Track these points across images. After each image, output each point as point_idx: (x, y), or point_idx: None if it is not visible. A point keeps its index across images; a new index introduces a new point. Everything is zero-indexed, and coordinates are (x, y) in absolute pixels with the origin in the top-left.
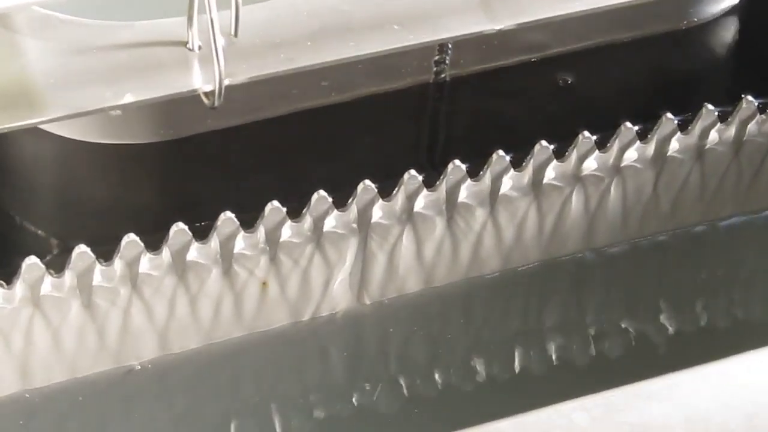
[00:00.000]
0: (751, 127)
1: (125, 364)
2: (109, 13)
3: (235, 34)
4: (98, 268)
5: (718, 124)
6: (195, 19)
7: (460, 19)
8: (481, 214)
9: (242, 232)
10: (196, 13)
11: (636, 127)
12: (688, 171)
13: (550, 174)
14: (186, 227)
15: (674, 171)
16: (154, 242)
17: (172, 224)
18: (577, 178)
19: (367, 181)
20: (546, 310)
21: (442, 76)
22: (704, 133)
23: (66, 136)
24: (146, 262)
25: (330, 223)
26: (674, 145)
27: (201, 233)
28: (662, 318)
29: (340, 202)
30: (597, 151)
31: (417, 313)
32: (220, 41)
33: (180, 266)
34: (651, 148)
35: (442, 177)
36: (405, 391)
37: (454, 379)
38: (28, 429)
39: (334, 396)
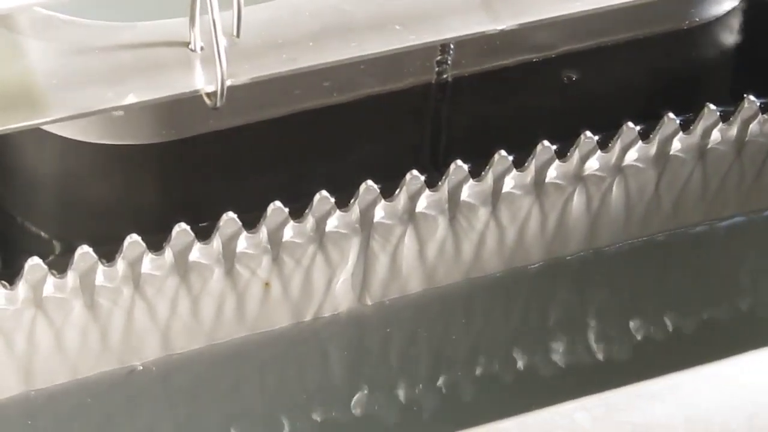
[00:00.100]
0: (753, 127)
1: (128, 365)
2: (111, 13)
3: (237, 35)
4: (101, 268)
5: (720, 124)
6: (197, 19)
7: (462, 19)
8: (483, 214)
9: (244, 233)
10: (198, 13)
11: (638, 127)
12: (690, 171)
13: (552, 174)
14: (188, 227)
15: (676, 171)
16: (156, 242)
17: (174, 224)
18: (579, 177)
19: (370, 182)
20: (548, 309)
21: (444, 76)
22: (706, 133)
23: (68, 136)
24: (148, 262)
25: (332, 223)
26: (676, 144)
27: (203, 233)
28: (664, 318)
29: (343, 203)
30: (599, 150)
31: (419, 313)
32: (222, 42)
33: (182, 266)
34: (653, 147)
35: (444, 177)
36: (407, 391)
37: (456, 379)
38: (31, 429)
39: (336, 396)
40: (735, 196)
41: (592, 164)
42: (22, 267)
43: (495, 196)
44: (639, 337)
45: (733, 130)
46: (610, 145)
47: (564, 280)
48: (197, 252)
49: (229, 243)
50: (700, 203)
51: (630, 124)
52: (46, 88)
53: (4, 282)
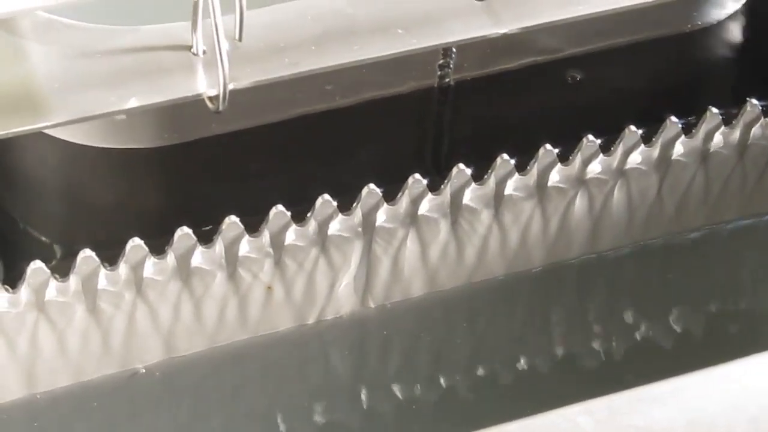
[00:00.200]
0: (756, 130)
1: (130, 368)
2: (114, 17)
3: (240, 39)
4: (103, 272)
5: (723, 128)
6: (199, 23)
7: (464, 23)
8: (485, 217)
9: (247, 236)
10: (201, 17)
11: (640, 131)
12: (692, 174)
13: (554, 177)
14: (190, 231)
15: (678, 174)
16: (158, 246)
17: (176, 228)
18: (581, 181)
19: (372, 185)
20: (550, 313)
21: (446, 80)
22: (708, 137)
23: (70, 140)
24: (151, 266)
25: (334, 226)
26: (678, 148)
27: (205, 237)
28: (666, 321)
29: (345, 206)
30: (601, 154)
31: (421, 316)
32: (225, 45)
33: (185, 270)
34: (655, 151)
35: (446, 181)
36: (409, 394)
37: (458, 382)
38: None
39: (339, 399)
40: (737, 199)
41: (595, 168)
42: (24, 271)
43: (497, 199)
44: (642, 340)
45: (736, 134)
46: (612, 148)
47: (566, 284)
48: (199, 256)
49: (232, 247)
50: (702, 207)
51: (632, 127)
52: (49, 92)
53: (6, 286)
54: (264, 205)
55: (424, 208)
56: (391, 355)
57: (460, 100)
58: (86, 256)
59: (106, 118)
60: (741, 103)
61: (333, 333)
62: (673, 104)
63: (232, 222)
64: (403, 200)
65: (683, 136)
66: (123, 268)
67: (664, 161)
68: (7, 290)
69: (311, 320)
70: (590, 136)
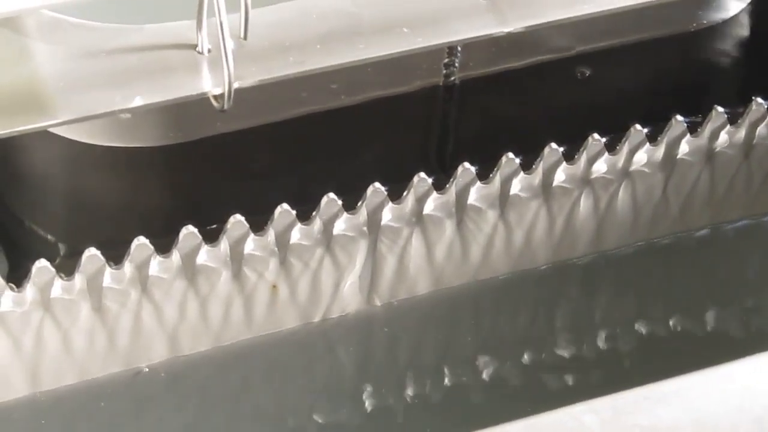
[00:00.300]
0: (761, 129)
1: (135, 367)
2: (119, 16)
3: (245, 37)
4: (108, 271)
5: (728, 127)
6: (204, 22)
7: (469, 21)
8: (490, 216)
9: (252, 235)
10: (206, 16)
11: (645, 130)
12: (697, 173)
13: (559, 176)
14: (196, 230)
15: (684, 173)
16: (163, 245)
17: (181, 227)
18: (586, 180)
19: (377, 184)
20: (555, 312)
21: (452, 78)
22: (714, 136)
23: (75, 139)
24: (156, 265)
25: (340, 225)
26: (684, 147)
27: (211, 236)
28: (671, 321)
29: (350, 205)
30: (606, 153)
31: (427, 314)
32: (230, 44)
33: (190, 269)
34: (660, 150)
35: (451, 179)
36: (415, 392)
37: (464, 381)
38: (39, 431)
39: (345, 397)
40: (743, 199)
41: (600, 167)
42: (29, 269)
43: (502, 198)
44: (647, 340)
45: (741, 133)
46: (617, 147)
47: (571, 283)
48: (205, 255)
49: (237, 245)
50: (707, 206)
51: (638, 126)
52: (54, 91)
53: (11, 284)
54: (269, 204)
55: (429, 206)
56: (396, 354)
57: (465, 99)
58: (91, 254)
59: (110, 116)
60: (746, 102)
61: (338, 331)
62: (679, 103)
63: (237, 221)
64: (409, 199)
65: (688, 135)
66: (128, 267)
67: (670, 160)
68: (12, 289)
69: (316, 319)
70: (595, 135)
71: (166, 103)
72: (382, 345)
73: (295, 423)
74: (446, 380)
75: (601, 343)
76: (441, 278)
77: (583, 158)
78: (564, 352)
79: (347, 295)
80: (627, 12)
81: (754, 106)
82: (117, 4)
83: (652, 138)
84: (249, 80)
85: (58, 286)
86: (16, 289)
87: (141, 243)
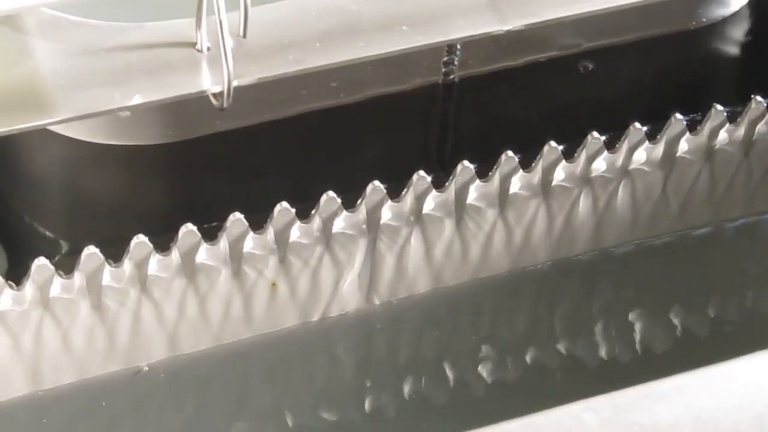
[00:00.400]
0: (761, 127)
1: (135, 365)
2: (118, 14)
3: (244, 35)
4: (107, 269)
5: (727, 125)
6: (204, 20)
7: (469, 19)
8: (490, 214)
9: (251, 233)
10: (205, 14)
11: (645, 128)
12: (697, 172)
13: (559, 175)
14: (195, 228)
15: (683, 171)
16: (163, 243)
17: (181, 225)
18: (586, 179)
19: (376, 182)
20: (555, 310)
21: (451, 76)
22: (713, 134)
23: (74, 137)
24: (155, 263)
25: (339, 224)
26: (683, 145)
27: (210, 234)
28: (671, 319)
29: (349, 203)
30: (606, 151)
31: (426, 313)
32: (229, 42)
33: (189, 267)
34: (660, 148)
35: (451, 178)
36: (414, 391)
37: (463, 379)
38: (39, 429)
39: (344, 396)
40: (742, 197)
41: (599, 165)
42: (29, 267)
43: (502, 196)
44: (646, 338)
45: (741, 131)
46: (617, 146)
47: (571, 281)
48: (204, 253)
49: (236, 244)
50: (707, 204)
51: (637, 124)
52: (53, 89)
53: (11, 282)
54: (268, 202)
55: (428, 205)
56: (395, 352)
57: (464, 97)
58: (91, 252)
59: (110, 114)
60: (746, 100)
61: (338, 330)
62: (678, 101)
63: (236, 219)
64: (408, 197)
65: (688, 134)
66: (127, 265)
67: (669, 158)
68: (11, 287)
69: (316, 317)
70: (595, 133)
71: (166, 101)
72: (381, 344)
73: (295, 421)
74: (445, 379)
75: (600, 341)
76: (440, 276)
77: (582, 156)
78: (563, 350)
79: (347, 293)
80: (626, 10)
81: (753, 104)
82: (116, 3)
83: (652, 136)
84: (248, 78)
85: (58, 284)
86: (15, 288)
87: (140, 241)
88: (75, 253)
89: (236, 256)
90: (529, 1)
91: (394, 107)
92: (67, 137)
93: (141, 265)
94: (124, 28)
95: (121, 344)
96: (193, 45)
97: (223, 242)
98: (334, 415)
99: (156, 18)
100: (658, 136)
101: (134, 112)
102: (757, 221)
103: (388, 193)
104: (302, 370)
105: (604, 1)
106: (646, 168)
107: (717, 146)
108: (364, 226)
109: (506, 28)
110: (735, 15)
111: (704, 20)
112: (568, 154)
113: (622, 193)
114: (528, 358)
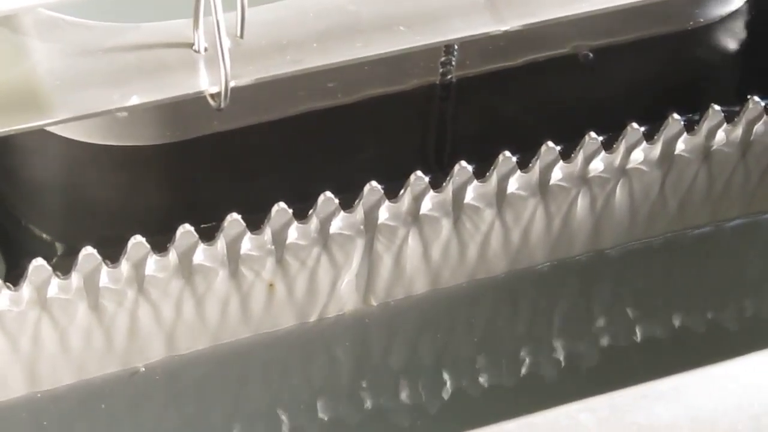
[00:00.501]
0: (758, 127)
1: (132, 366)
2: (115, 15)
3: (241, 36)
4: (105, 269)
5: (725, 125)
6: (201, 20)
7: (467, 20)
8: (487, 215)
9: (249, 234)
10: (202, 14)
11: (642, 128)
12: (694, 172)
13: (556, 175)
14: (192, 229)
15: (681, 172)
16: (160, 244)
17: (178, 226)
18: (583, 179)
19: (374, 183)
20: (553, 310)
21: (448, 77)
22: (711, 134)
23: (72, 137)
24: (153, 263)
25: (336, 224)
26: (681, 145)
27: (207, 235)
28: (669, 319)
29: (347, 204)
30: (603, 152)
31: (424, 314)
32: (226, 43)
33: (186, 268)
34: (657, 148)
35: (448, 178)
36: (411, 392)
37: (460, 380)
38: (37, 430)
39: (341, 397)
40: (740, 197)
41: (597, 165)
42: (26, 268)
43: (499, 197)
44: (644, 338)
45: (738, 131)
46: (614, 146)
47: (569, 282)
48: (201, 253)
49: (234, 244)
50: (704, 204)
51: (634, 124)
52: (50, 89)
53: (8, 283)
54: (266, 203)
55: (426, 205)
56: (393, 353)
57: (462, 97)
58: (88, 253)
59: (107, 115)
60: (743, 100)
61: (335, 331)
62: (676, 101)
63: (233, 219)
64: (405, 198)
65: (685, 134)
66: (125, 266)
67: (667, 159)
68: (9, 288)
69: (313, 318)
70: (592, 133)
71: (163, 101)
72: (378, 344)
73: (292, 422)
74: (443, 379)
75: (598, 341)
76: (438, 277)
77: (580, 156)
78: (561, 351)
79: (344, 294)
80: (623, 10)
81: (750, 105)
82: (114, 3)
83: (649, 136)
84: (246, 79)
85: (55, 284)
86: (12, 288)
87: (137, 241)
88: (72, 253)
89: (233, 257)
90: (527, 2)
91: (391, 108)
92: (65, 138)
93: (138, 266)
94: (121, 29)
95: (118, 345)
96: (191, 45)
97: (221, 243)
98: (331, 415)
99: (153, 18)
100: (656, 136)
101: (131, 112)
102: (755, 221)
103: (385, 193)
104: (299, 370)
105: (602, 1)
106: (643, 168)
107: (714, 146)
108: (362, 227)
109: (504, 28)
110: (732, 15)
111: (702, 20)
112: (566, 154)
113: (619, 194)
114: (525, 359)
